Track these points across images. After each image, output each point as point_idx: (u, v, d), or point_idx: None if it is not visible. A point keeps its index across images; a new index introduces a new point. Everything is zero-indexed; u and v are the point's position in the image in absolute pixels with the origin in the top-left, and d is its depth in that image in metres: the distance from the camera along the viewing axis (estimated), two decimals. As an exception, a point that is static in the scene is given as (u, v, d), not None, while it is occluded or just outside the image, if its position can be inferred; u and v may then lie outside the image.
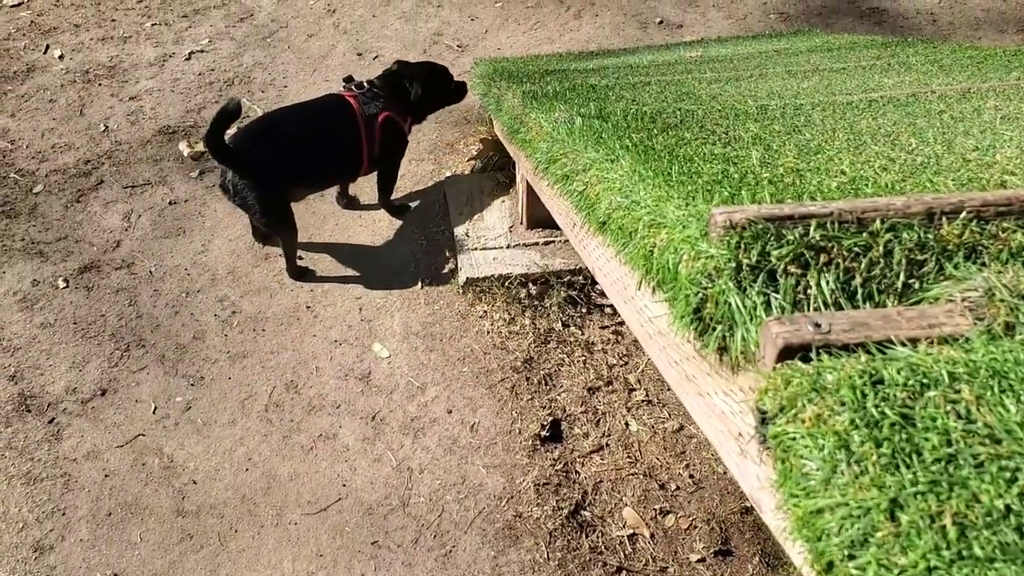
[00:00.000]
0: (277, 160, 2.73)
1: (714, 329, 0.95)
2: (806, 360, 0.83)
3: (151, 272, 3.03)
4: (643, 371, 2.58)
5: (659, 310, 1.18)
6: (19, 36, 4.63)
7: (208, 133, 2.49)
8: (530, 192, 2.74)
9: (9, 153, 3.66)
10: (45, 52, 4.47)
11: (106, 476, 2.32)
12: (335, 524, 2.20)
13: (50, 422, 2.47)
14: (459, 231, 3.01)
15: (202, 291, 2.94)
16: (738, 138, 1.49)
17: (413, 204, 3.34)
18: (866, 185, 1.18)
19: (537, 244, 2.88)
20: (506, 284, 2.77)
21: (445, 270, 3.00)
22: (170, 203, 3.38)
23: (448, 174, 3.49)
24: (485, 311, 2.78)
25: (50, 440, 2.42)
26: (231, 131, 2.60)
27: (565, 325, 2.72)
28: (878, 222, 0.95)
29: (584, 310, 2.76)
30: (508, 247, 2.88)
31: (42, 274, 3.00)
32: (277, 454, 2.38)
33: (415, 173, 3.53)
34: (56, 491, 2.28)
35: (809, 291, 0.91)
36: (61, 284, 2.96)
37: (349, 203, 3.34)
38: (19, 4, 4.92)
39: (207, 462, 2.37)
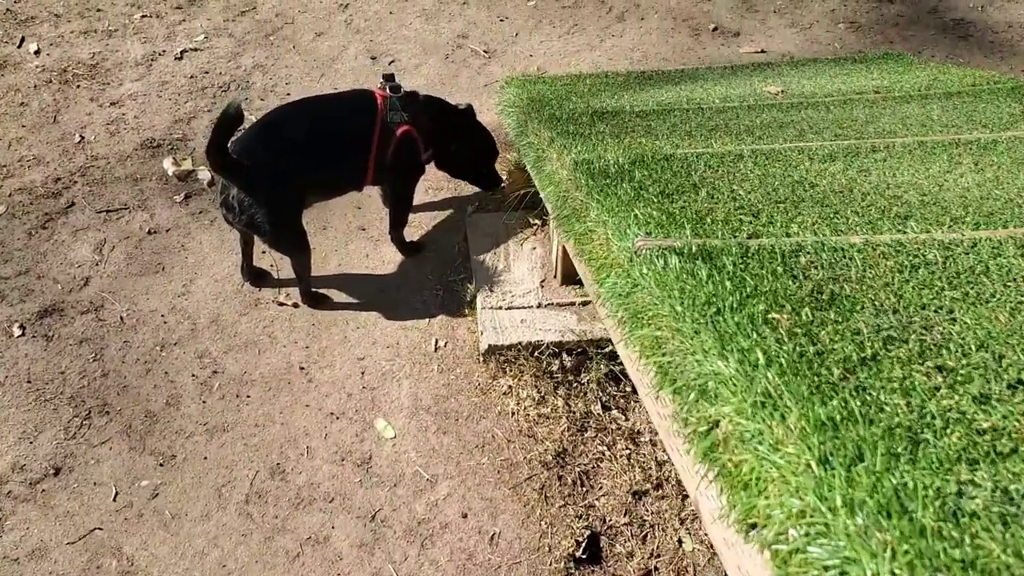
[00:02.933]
0: (291, 167, 2.34)
1: None
2: None
3: (122, 318, 2.60)
4: (698, 470, 2.15)
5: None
6: (-5, 25, 4.19)
7: (210, 144, 2.13)
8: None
9: (-29, 165, 3.23)
10: (20, 46, 4.00)
11: (51, 584, 1.92)
12: (323, 662, 1.79)
13: (-10, 510, 2.07)
14: (481, 283, 2.56)
15: (180, 344, 2.52)
16: (946, 368, 0.88)
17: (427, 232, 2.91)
18: None
19: (573, 304, 2.44)
20: (536, 354, 2.33)
21: (464, 330, 2.56)
22: (149, 232, 2.94)
23: (470, 209, 3.05)
24: (510, 387, 2.34)
25: (-12, 534, 2.02)
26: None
27: (606, 408, 2.29)
28: None
29: (628, 388, 2.32)
30: (539, 306, 2.44)
31: (-5, 318, 2.58)
32: (257, 560, 1.97)
33: (433, 203, 3.09)
34: (-11, 604, 1.88)
35: None
36: (16, 331, 2.54)
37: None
38: (0, -12, 4.48)
39: (173, 567, 1.96)
